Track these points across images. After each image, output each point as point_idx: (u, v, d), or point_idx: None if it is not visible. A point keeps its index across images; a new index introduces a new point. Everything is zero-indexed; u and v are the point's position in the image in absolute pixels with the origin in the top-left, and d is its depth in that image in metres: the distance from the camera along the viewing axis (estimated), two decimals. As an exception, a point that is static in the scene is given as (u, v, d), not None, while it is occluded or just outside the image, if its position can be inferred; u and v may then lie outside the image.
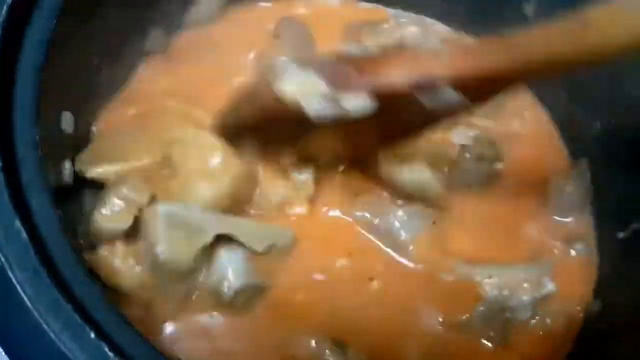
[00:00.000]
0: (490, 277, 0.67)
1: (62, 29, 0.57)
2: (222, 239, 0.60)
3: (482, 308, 0.66)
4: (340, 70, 0.53)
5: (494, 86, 0.52)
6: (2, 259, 0.45)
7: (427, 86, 0.51)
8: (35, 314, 0.44)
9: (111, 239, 0.59)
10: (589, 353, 0.67)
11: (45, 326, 0.43)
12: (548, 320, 0.68)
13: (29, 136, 0.51)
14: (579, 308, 0.70)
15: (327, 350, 0.59)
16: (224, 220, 0.60)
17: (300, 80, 0.53)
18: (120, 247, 0.59)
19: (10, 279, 0.45)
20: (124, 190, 0.59)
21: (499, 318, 0.66)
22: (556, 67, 0.50)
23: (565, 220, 0.75)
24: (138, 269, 0.58)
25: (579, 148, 0.79)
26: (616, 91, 0.72)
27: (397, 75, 0.52)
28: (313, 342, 0.60)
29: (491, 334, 0.65)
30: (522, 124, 0.80)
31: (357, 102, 0.51)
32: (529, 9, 0.79)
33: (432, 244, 0.68)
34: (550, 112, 0.82)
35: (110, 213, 0.59)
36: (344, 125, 0.53)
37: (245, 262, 0.60)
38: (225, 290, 0.59)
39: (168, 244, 0.57)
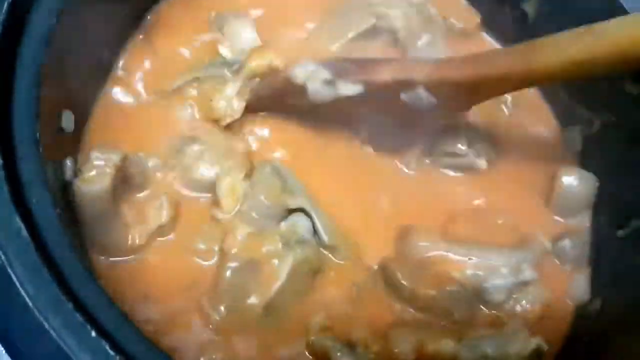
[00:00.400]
0: (469, 258, 0.67)
1: (63, 26, 0.57)
2: (299, 212, 0.67)
3: (450, 289, 0.66)
4: (344, 66, 0.69)
5: (460, 95, 0.65)
6: (2, 257, 0.45)
7: (406, 85, 0.65)
8: (36, 311, 0.44)
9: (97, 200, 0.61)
10: (588, 350, 0.67)
11: (45, 324, 0.43)
12: (519, 308, 0.68)
13: (29, 133, 0.51)
14: (570, 304, 0.71)
15: (338, 353, 0.61)
16: (312, 203, 0.67)
17: (309, 70, 0.68)
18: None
19: (10, 276, 0.44)
20: (96, 153, 0.61)
21: (468, 302, 0.67)
22: (509, 82, 0.62)
23: (565, 221, 0.75)
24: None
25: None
26: (616, 89, 0.72)
27: (385, 73, 0.67)
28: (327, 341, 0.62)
29: (455, 315, 0.66)
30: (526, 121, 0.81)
31: (348, 87, 0.68)
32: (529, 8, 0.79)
33: None
34: (550, 110, 0.82)
35: (88, 177, 0.60)
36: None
37: (312, 234, 0.67)
38: (292, 233, 0.65)
39: (264, 184, 0.67)
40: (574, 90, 0.78)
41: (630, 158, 0.73)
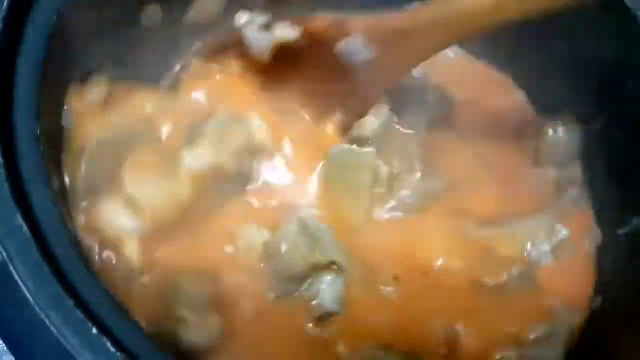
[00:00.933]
0: (513, 236, 0.69)
1: (64, 22, 0.57)
2: (330, 267, 0.63)
3: (516, 270, 0.67)
4: (281, 12, 0.70)
5: (399, 45, 0.64)
6: (4, 254, 0.45)
7: (343, 30, 0.65)
8: (37, 309, 0.44)
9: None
10: (589, 350, 0.67)
11: (46, 321, 0.43)
12: (567, 260, 0.71)
13: (30, 131, 0.51)
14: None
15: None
16: (346, 252, 0.64)
17: (248, 17, 0.71)
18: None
19: (11, 273, 0.44)
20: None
21: (527, 273, 0.68)
22: (445, 28, 0.63)
23: (559, 170, 0.77)
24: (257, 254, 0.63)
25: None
26: (618, 87, 0.72)
27: (323, 19, 0.67)
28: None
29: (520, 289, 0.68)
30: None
31: (285, 31, 0.68)
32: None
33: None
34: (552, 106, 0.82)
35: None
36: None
37: (342, 293, 0.63)
38: (318, 308, 0.62)
39: (292, 243, 0.61)
40: (576, 88, 0.78)
41: (631, 157, 0.73)
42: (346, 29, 0.65)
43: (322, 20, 0.67)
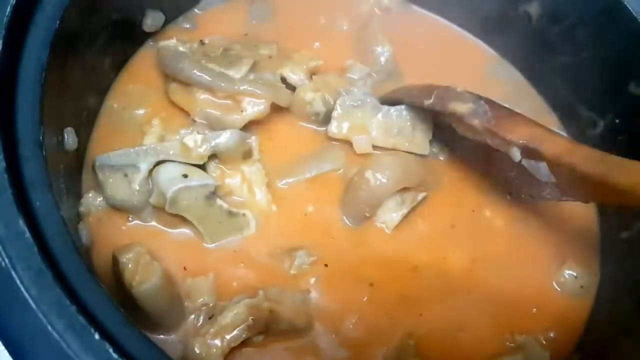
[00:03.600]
0: None
1: (66, 29, 0.57)
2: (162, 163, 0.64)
3: None
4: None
5: (583, 188, 0.60)
6: (6, 259, 0.45)
7: (532, 154, 0.63)
8: (39, 314, 0.44)
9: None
10: (592, 353, 0.67)
11: (48, 326, 0.43)
12: None
13: (32, 136, 0.51)
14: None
15: None
16: (154, 149, 0.64)
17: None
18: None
19: (13, 278, 0.44)
20: (126, 255, 0.60)
21: None
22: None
23: None
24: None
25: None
26: (621, 91, 0.72)
27: (516, 133, 0.65)
28: None
29: None
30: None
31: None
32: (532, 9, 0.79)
33: None
34: (555, 109, 0.83)
35: (139, 278, 0.59)
36: None
37: (181, 171, 0.64)
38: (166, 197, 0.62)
39: (110, 189, 0.63)
40: (579, 91, 0.78)
41: (635, 158, 0.72)
42: (536, 154, 0.63)
43: (517, 134, 0.65)
